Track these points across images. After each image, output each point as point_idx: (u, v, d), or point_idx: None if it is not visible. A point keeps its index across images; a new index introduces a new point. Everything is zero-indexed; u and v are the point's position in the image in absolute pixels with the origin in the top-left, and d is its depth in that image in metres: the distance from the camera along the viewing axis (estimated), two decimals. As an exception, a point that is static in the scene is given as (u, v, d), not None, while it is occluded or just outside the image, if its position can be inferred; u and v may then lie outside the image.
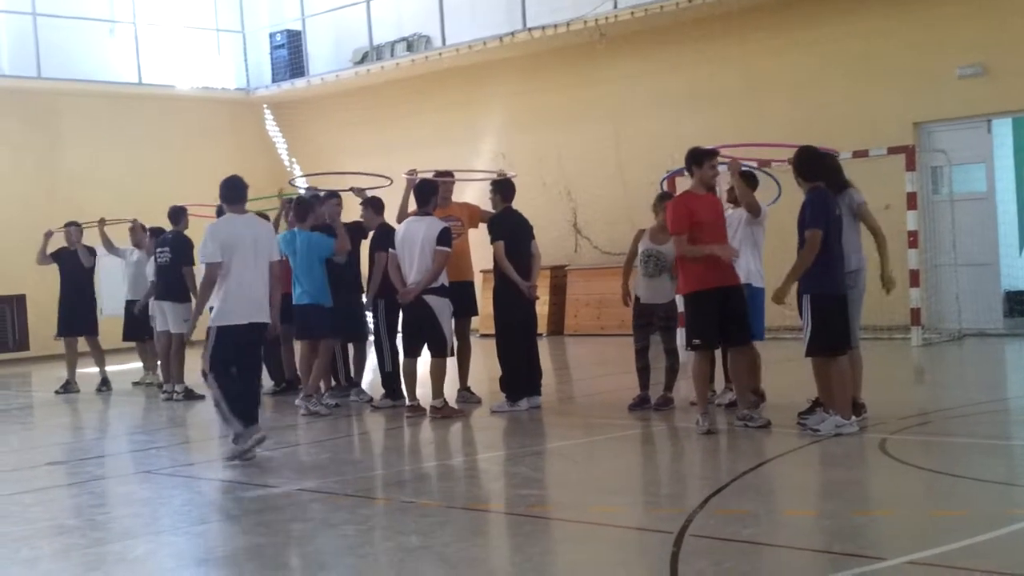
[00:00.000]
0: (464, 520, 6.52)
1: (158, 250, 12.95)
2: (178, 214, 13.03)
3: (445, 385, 10.17)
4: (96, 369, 14.14)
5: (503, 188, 10.59)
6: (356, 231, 11.42)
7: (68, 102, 20.87)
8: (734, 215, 9.48)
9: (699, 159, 8.79)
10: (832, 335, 8.14)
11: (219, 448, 9.11)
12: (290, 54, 22.54)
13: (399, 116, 21.32)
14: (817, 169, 8.34)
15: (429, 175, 10.95)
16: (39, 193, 20.00)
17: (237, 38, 23.51)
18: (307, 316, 10.84)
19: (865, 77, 16.00)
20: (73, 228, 14.26)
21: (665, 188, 12.52)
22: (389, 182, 12.22)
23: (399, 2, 21.34)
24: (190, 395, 12.53)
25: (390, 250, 10.23)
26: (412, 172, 10.97)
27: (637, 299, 9.92)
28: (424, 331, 10.06)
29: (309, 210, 11.07)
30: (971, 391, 10.95)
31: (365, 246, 11.38)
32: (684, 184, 10.47)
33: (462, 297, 10.67)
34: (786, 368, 9.64)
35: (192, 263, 12.39)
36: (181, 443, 10.26)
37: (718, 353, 9.28)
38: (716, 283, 8.60)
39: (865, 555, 5.33)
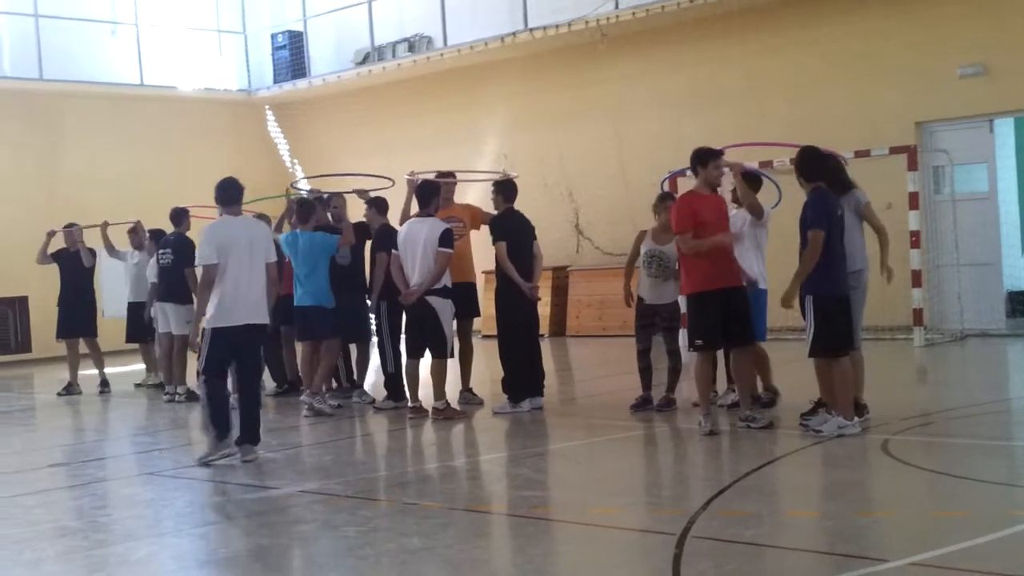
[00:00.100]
0: (466, 521, 6.52)
1: (160, 251, 12.96)
2: (180, 215, 13.04)
3: (447, 386, 10.18)
4: (95, 371, 14.15)
5: (505, 189, 10.59)
6: (360, 231, 11.42)
7: (70, 103, 20.88)
8: (738, 216, 9.47)
9: (704, 159, 8.78)
10: (834, 336, 8.14)
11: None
12: (292, 55, 22.55)
13: (401, 117, 21.33)
14: (819, 169, 8.34)
15: (430, 176, 10.95)
16: (40, 194, 20.02)
17: (239, 39, 23.52)
18: (308, 317, 10.85)
19: (866, 77, 16.00)
20: (75, 228, 14.28)
21: (666, 188, 12.51)
22: (391, 183, 12.22)
23: (401, 3, 21.34)
24: (192, 397, 12.52)
25: (393, 251, 10.24)
26: (412, 174, 10.97)
27: (640, 300, 9.92)
28: (426, 332, 10.06)
29: (311, 211, 11.07)
30: (973, 392, 10.94)
31: (368, 247, 11.38)
32: (685, 185, 10.48)
33: (464, 298, 10.67)
34: (788, 369, 9.64)
35: (194, 264, 12.38)
36: (183, 445, 10.26)
37: (720, 354, 9.29)
38: (719, 284, 8.59)
39: (868, 556, 5.32)
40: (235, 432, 8.53)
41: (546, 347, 14.17)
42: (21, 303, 19.99)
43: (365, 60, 21.38)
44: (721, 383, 9.77)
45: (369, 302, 11.32)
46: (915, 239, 14.23)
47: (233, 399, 8.82)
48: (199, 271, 8.88)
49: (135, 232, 14.35)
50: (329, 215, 11.63)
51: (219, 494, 7.79)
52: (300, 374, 11.72)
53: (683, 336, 10.42)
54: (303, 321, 10.93)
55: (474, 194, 14.89)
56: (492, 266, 10.58)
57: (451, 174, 11.42)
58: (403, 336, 10.56)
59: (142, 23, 21.93)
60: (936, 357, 13.59)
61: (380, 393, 11.29)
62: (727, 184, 9.63)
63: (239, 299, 8.38)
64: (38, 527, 6.96)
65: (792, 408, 9.15)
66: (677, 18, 17.22)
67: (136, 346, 14.77)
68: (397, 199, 11.31)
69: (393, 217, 11.21)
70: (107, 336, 14.69)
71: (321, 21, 22.53)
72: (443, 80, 20.62)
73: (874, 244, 8.79)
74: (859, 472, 7.43)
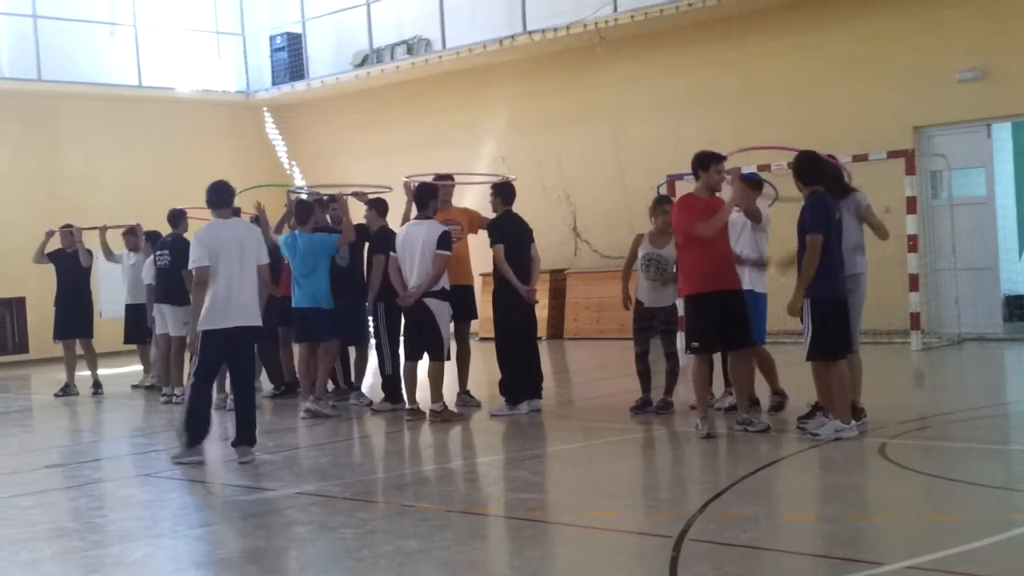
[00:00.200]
0: (463, 524, 6.52)
1: (157, 253, 12.96)
2: (177, 217, 13.03)
3: (445, 389, 10.17)
4: (88, 372, 14.15)
5: (503, 191, 10.59)
6: (359, 233, 11.41)
7: (68, 104, 20.87)
8: (738, 219, 9.45)
9: (706, 163, 8.73)
10: (832, 339, 8.14)
11: (219, 451, 9.13)
12: (290, 57, 22.55)
13: (399, 119, 21.33)
14: (817, 173, 8.33)
15: (428, 179, 10.95)
16: (39, 196, 20.00)
17: (237, 41, 23.52)
18: (306, 319, 10.84)
19: (865, 80, 16.01)
20: (74, 228, 14.29)
21: (664, 192, 12.51)
22: (389, 189, 12.22)
23: (399, 5, 21.35)
24: (190, 398, 12.52)
25: (391, 254, 10.23)
26: (409, 179, 10.97)
27: (638, 303, 9.92)
28: (423, 334, 10.06)
29: (310, 212, 11.08)
30: (970, 395, 10.95)
31: (367, 249, 11.38)
32: (683, 189, 10.48)
33: (461, 301, 10.67)
34: (786, 372, 9.63)
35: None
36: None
37: (718, 357, 9.28)
38: (717, 286, 8.59)
39: (864, 560, 5.32)
40: (228, 435, 8.53)
41: (544, 350, 14.17)
42: (18, 304, 19.99)
43: (364, 62, 21.38)
44: (718, 386, 9.77)
45: (367, 304, 11.32)
46: (913, 243, 14.23)
47: (229, 401, 8.83)
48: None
49: (131, 233, 14.36)
50: (328, 217, 11.63)
51: (216, 495, 7.78)
52: (297, 376, 11.71)
53: (680, 339, 10.41)
54: (301, 323, 10.92)
55: (472, 197, 14.89)
56: (490, 268, 10.58)
57: (449, 177, 11.42)
58: (401, 338, 10.57)
59: (140, 24, 21.92)
60: (933, 361, 13.60)
61: (378, 395, 11.29)
62: (727, 189, 9.61)
63: (231, 301, 8.42)
64: (35, 528, 6.96)
65: (790, 411, 9.16)
66: (676, 21, 17.24)
67: (133, 347, 14.77)
68: (397, 201, 11.31)
69: (393, 221, 11.20)
70: (104, 337, 14.69)
71: (320, 23, 22.53)
72: (442, 82, 20.63)
73: (874, 244, 8.79)
74: (856, 476, 7.43)
